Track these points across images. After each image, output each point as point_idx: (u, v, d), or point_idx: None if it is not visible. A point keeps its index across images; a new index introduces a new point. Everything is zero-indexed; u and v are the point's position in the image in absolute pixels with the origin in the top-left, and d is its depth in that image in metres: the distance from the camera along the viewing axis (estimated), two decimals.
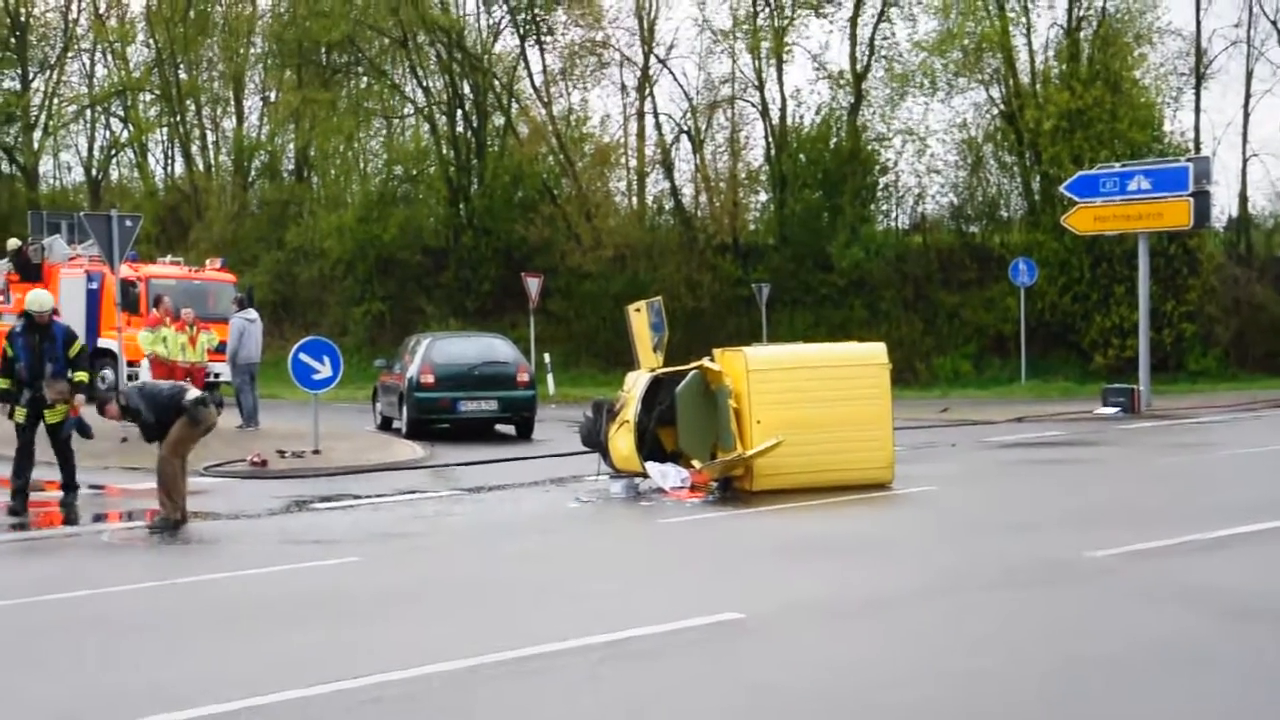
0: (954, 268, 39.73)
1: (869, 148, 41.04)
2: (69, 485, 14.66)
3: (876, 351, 15.67)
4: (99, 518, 14.65)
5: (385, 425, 23.85)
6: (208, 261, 31.44)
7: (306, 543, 12.02)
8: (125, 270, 22.08)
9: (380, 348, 35.95)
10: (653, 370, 15.75)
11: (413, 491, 15.72)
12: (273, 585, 10.06)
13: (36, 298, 14.70)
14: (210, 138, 51.76)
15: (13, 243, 31.13)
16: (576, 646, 7.55)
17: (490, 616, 8.67)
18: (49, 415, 14.29)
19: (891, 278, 38.82)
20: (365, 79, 47.81)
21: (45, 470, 14.99)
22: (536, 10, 43.54)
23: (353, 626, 8.45)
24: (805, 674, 7.04)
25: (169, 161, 54.01)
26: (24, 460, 14.29)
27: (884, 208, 42.61)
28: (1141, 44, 39.06)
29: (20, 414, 14.20)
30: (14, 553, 12.32)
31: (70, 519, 13.99)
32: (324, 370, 18.77)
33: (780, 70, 41.57)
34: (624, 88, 44.15)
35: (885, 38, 41.07)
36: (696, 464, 14.84)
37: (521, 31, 44.04)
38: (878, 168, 41.36)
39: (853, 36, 40.98)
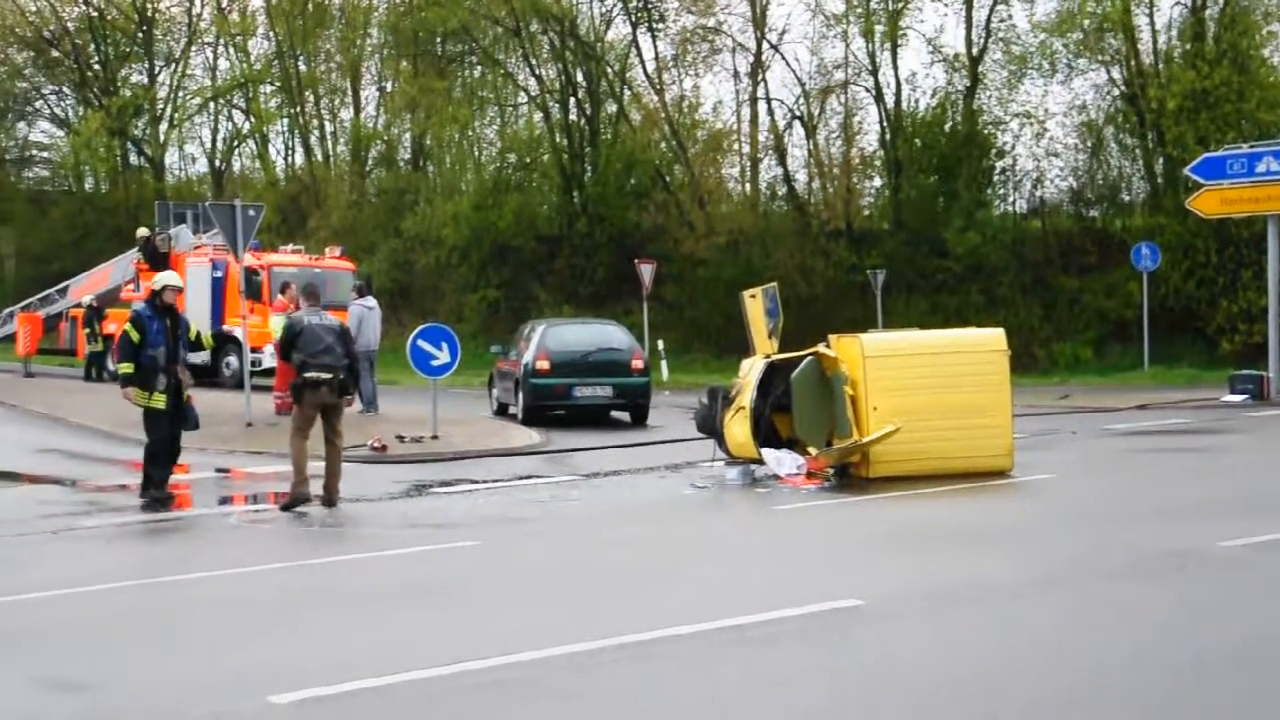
0: (1073, 252, 38.97)
1: (985, 131, 40.42)
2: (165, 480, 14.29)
3: (995, 337, 15.47)
4: (224, 500, 14.99)
5: (501, 411, 24.07)
6: (327, 250, 31.96)
7: (426, 526, 12.20)
8: (248, 259, 22.50)
9: (495, 334, 36.25)
10: (768, 356, 15.70)
11: (529, 477, 15.86)
12: (395, 568, 10.21)
13: (174, 275, 14.88)
14: (329, 128, 52.65)
15: (142, 232, 31.95)
16: (693, 631, 7.56)
17: (607, 601, 8.72)
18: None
19: (1009, 263, 38.19)
20: (479, 68, 48.24)
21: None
22: None
23: (472, 609, 8.56)
24: (924, 662, 6.97)
25: (289, 152, 55.07)
26: (167, 452, 14.05)
27: (1001, 192, 41.94)
28: (1270, 21, 37.89)
29: (160, 400, 13.83)
30: (145, 534, 12.66)
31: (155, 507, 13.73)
32: (442, 356, 18.96)
33: (894, 54, 41.13)
34: (736, 74, 44.05)
35: (1002, 19, 40.42)
36: (812, 450, 14.76)
37: (634, 19, 44.09)
38: (994, 151, 40.72)
39: (968, 19, 40.37)
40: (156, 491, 13.73)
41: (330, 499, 13.43)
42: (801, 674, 6.78)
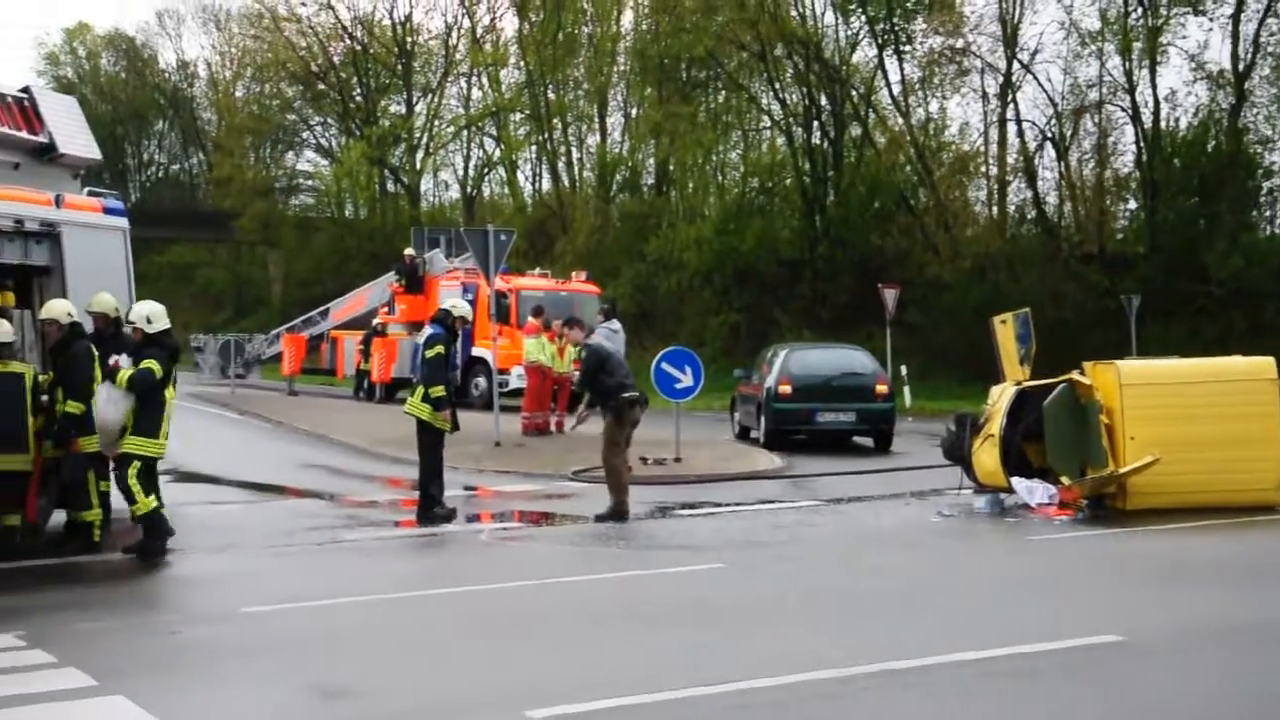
0: None
1: (1251, 150, 38.61)
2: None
3: (1263, 366, 14.71)
4: (472, 518, 15.39)
5: (743, 435, 24.08)
6: (573, 274, 32.57)
7: (673, 548, 12.30)
8: (498, 282, 23.11)
9: (735, 358, 36.29)
10: (1019, 383, 15.30)
11: (772, 501, 15.82)
12: (643, 588, 10.32)
13: (465, 303, 15.51)
14: (575, 154, 53.79)
15: (409, 252, 33.13)
16: (947, 662, 7.41)
17: (856, 627, 8.61)
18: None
19: (1276, 288, 36.31)
20: (724, 93, 48.57)
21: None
22: (895, 20, 43.13)
23: (721, 631, 8.56)
24: (1195, 704, 6.67)
25: (536, 178, 56.49)
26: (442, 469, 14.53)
27: (1268, 214, 40.01)
28: None
29: (447, 421, 14.25)
30: (402, 549, 13.12)
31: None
32: (685, 380, 19.09)
33: (1153, 72, 39.67)
34: (985, 95, 43.19)
35: (1272, 33, 38.57)
36: (1065, 480, 14.30)
37: (880, 41, 43.72)
38: (1261, 171, 38.85)
39: (1235, 34, 38.64)
40: (440, 509, 14.12)
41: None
42: (1066, 709, 6.56)
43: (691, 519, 14.40)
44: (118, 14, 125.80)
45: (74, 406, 11.77)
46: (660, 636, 8.43)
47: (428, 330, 14.67)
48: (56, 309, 12.22)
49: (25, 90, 13.90)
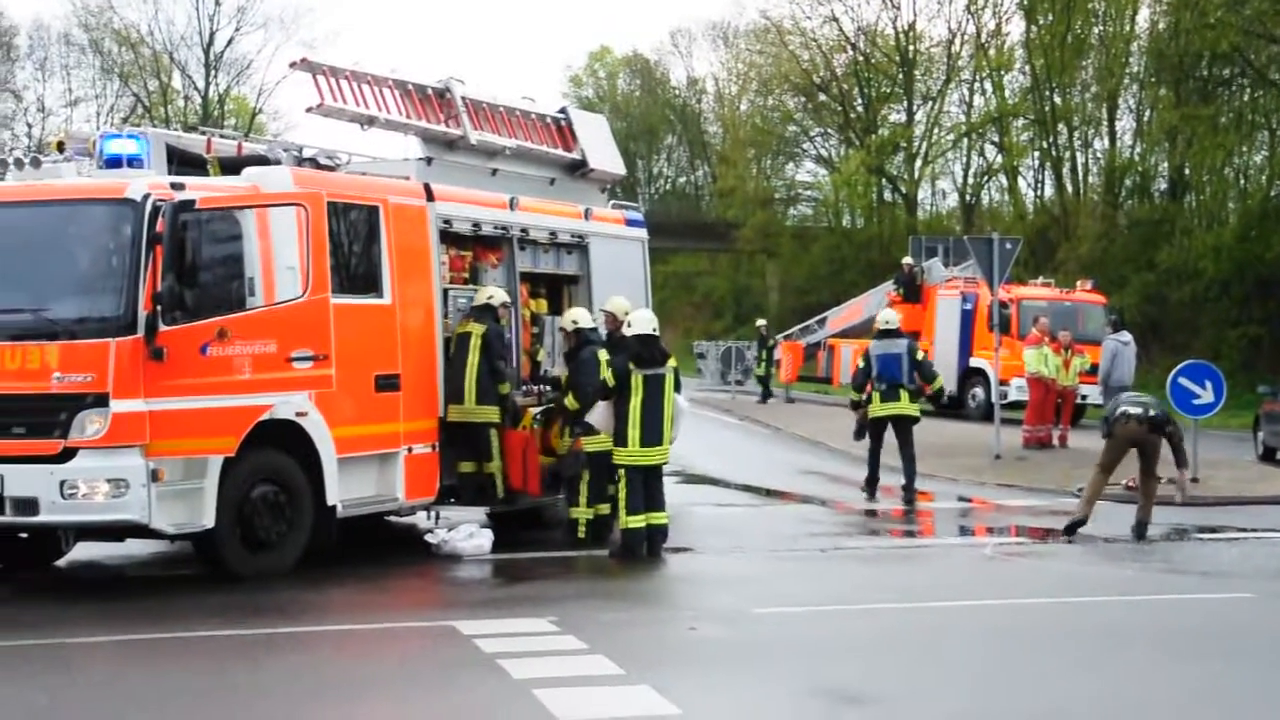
0: None
1: None
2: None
3: None
4: (965, 531, 15.20)
5: (1268, 455, 22.41)
6: (1078, 283, 31.42)
7: (1194, 573, 11.65)
8: (1000, 291, 22.63)
9: (1255, 373, 33.85)
10: None
11: None
12: (1163, 614, 9.83)
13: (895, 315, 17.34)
14: (1080, 159, 51.77)
15: (907, 261, 33.16)
16: None
17: None
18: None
19: None
20: (1249, 91, 45.35)
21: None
22: None
23: (1252, 666, 8.03)
24: None
25: (1038, 184, 54.86)
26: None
27: None
28: None
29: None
30: (902, 558, 13.18)
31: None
32: (1205, 395, 17.92)
33: None
34: None
35: None
36: None
37: None
38: None
39: None
40: (870, 497, 16.20)
41: (1141, 529, 13.51)
42: None
43: (1213, 543, 13.56)
44: (635, 36, 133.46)
45: (570, 402, 12.39)
46: (1186, 667, 8.00)
47: (904, 341, 16.50)
48: (566, 317, 13.02)
49: (562, 111, 14.91)
